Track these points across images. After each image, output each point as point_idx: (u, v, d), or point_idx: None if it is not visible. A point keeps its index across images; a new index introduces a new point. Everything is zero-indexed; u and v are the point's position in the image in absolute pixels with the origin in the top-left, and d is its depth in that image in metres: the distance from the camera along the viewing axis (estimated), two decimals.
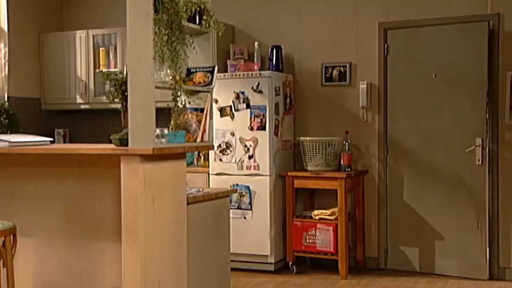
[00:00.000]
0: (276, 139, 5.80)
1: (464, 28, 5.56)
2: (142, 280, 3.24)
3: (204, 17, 3.92)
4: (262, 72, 5.76)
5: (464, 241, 5.59)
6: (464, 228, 5.59)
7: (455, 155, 5.61)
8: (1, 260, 3.43)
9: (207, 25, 3.94)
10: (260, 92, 5.69)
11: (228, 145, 5.83)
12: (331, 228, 5.61)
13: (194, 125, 3.83)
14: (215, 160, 5.89)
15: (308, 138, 5.87)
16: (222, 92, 5.76)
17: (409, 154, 5.79)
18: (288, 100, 6.04)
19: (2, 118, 5.76)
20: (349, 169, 5.75)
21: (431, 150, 5.68)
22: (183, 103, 3.80)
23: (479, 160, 5.51)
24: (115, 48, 6.46)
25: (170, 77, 3.70)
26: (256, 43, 6.11)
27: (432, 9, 5.70)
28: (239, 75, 5.81)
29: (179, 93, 3.73)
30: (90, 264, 3.68)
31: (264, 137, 5.71)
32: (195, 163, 6.22)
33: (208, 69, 3.98)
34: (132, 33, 3.31)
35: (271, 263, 5.74)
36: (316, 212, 5.74)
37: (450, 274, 5.58)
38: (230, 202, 5.19)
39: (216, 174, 5.89)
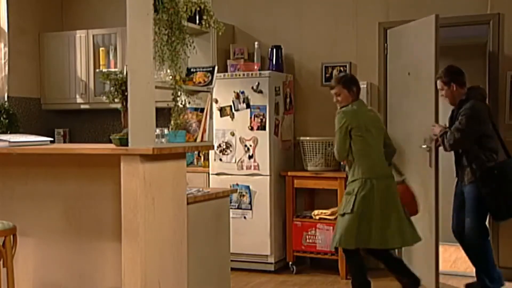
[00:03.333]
0: (276, 139, 5.80)
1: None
2: (142, 280, 3.24)
3: (204, 17, 3.93)
4: (262, 72, 5.76)
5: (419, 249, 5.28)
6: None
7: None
8: (1, 260, 3.43)
9: (207, 25, 3.95)
10: (260, 92, 5.69)
11: (228, 145, 5.82)
12: (331, 228, 5.60)
13: (194, 125, 3.83)
14: (215, 160, 5.89)
15: (308, 138, 5.87)
16: (222, 92, 5.76)
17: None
18: (288, 100, 6.04)
19: (2, 118, 5.75)
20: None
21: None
22: (183, 103, 3.80)
23: None
24: (115, 48, 6.46)
25: (170, 77, 3.70)
26: (256, 43, 6.11)
27: (432, 9, 5.68)
28: (239, 75, 5.81)
29: (179, 93, 3.73)
30: (90, 264, 3.68)
31: (264, 137, 5.70)
32: (195, 163, 6.22)
33: (208, 69, 3.98)
34: (132, 33, 3.31)
35: (271, 263, 5.74)
36: (316, 212, 5.73)
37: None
38: (230, 202, 5.19)
39: (216, 174, 5.88)
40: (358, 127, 4.60)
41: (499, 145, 4.85)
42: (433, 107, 5.09)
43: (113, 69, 6.28)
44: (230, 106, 5.81)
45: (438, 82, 4.96)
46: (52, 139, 4.02)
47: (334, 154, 4.81)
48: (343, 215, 4.60)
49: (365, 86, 5.89)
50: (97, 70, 6.51)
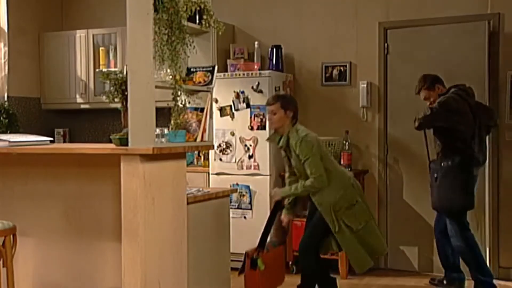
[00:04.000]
0: None
1: (465, 28, 5.57)
2: (142, 280, 3.23)
3: (204, 17, 3.93)
4: (262, 71, 5.76)
5: None
6: None
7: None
8: (1, 260, 3.43)
9: (207, 24, 3.95)
10: (260, 91, 5.69)
11: (228, 145, 5.82)
12: None
13: (194, 124, 3.83)
14: (215, 159, 5.89)
15: None
16: (222, 91, 5.76)
17: (410, 153, 5.78)
18: None
19: (2, 118, 5.75)
20: (349, 169, 5.73)
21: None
22: (183, 102, 3.79)
23: None
24: (115, 48, 6.45)
25: (170, 77, 3.70)
26: (256, 43, 6.11)
27: (432, 8, 5.70)
28: (239, 74, 5.81)
29: (179, 93, 3.73)
30: (90, 264, 3.68)
31: (264, 136, 5.69)
32: (195, 163, 6.22)
33: (208, 69, 3.98)
34: (132, 32, 3.31)
35: None
36: None
37: None
38: (230, 202, 5.18)
39: (216, 174, 5.88)
40: (320, 147, 4.43)
41: (476, 143, 4.91)
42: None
43: (113, 69, 6.27)
44: (230, 105, 5.81)
45: (422, 92, 5.09)
46: (52, 139, 4.02)
47: (309, 186, 4.32)
48: (365, 225, 4.38)
49: (365, 85, 5.89)
50: (97, 69, 6.50)
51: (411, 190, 5.81)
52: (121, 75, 3.50)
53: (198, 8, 3.85)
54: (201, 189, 4.10)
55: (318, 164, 4.33)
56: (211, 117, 3.87)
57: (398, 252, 5.84)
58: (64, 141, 6.89)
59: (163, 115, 4.21)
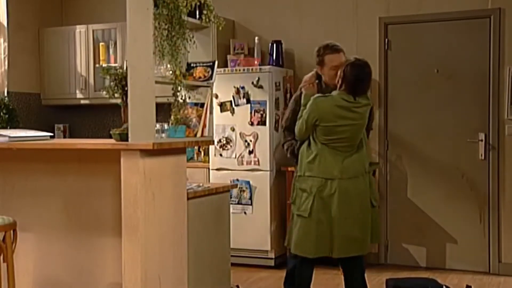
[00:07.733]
0: (276, 134, 5.79)
1: (465, 23, 5.56)
2: (142, 275, 3.24)
3: (204, 12, 3.92)
4: (262, 67, 5.75)
5: (466, 236, 5.61)
6: (466, 223, 5.62)
7: (458, 150, 5.62)
8: (1, 255, 3.43)
9: (207, 19, 3.94)
10: (260, 87, 5.68)
11: (228, 140, 5.82)
12: None
13: (194, 120, 3.83)
14: (215, 155, 5.89)
15: None
16: (222, 87, 5.75)
17: (410, 149, 5.79)
18: (288, 95, 6.02)
19: (2, 113, 5.74)
20: None
21: (433, 145, 5.69)
22: (183, 98, 3.79)
23: (481, 154, 5.52)
24: (115, 43, 6.44)
25: (170, 72, 3.69)
26: (256, 38, 6.10)
27: (433, 4, 5.69)
28: (239, 70, 5.80)
29: (179, 88, 3.73)
30: (90, 259, 3.68)
31: (264, 132, 5.70)
32: (195, 158, 6.22)
33: (208, 64, 3.98)
34: (132, 28, 3.30)
35: (271, 258, 5.73)
36: None
37: (451, 268, 5.61)
38: (230, 197, 5.19)
39: (216, 169, 5.88)
40: None
41: None
42: (486, 106, 5.52)
43: (113, 64, 6.27)
44: (230, 101, 5.80)
45: (342, 54, 4.42)
46: (52, 134, 4.02)
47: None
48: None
49: None
50: (97, 65, 6.50)
51: (412, 186, 5.81)
52: (121, 71, 3.50)
53: (198, 3, 3.85)
54: (201, 184, 4.11)
55: None
56: (211, 112, 3.87)
57: (398, 247, 5.84)
58: (64, 137, 6.89)
59: (163, 111, 4.21)
